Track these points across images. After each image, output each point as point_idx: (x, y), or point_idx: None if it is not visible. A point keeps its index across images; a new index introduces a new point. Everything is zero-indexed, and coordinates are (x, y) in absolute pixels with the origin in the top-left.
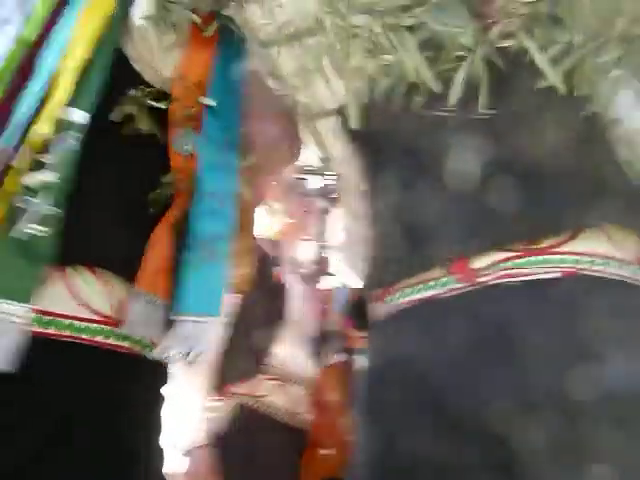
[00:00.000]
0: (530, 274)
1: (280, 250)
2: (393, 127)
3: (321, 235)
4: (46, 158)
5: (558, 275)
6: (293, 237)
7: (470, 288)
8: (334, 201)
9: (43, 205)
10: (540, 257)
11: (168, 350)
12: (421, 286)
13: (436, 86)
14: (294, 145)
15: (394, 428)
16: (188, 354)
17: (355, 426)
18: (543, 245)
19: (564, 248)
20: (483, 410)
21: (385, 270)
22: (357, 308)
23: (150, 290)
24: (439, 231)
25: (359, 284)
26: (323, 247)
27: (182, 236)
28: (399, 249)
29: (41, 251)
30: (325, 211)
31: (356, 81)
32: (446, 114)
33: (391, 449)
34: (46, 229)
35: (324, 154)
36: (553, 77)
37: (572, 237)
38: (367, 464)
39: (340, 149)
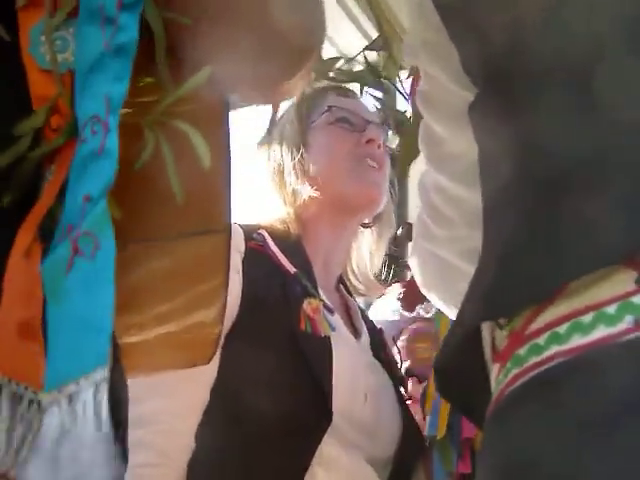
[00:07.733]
0: None
1: (309, 256)
2: None
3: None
4: None
5: None
6: (339, 221)
7: None
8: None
9: None
10: None
11: None
12: (595, 313)
13: None
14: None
15: None
16: None
17: None
18: None
19: None
20: None
21: (519, 280)
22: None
23: (13, 374)
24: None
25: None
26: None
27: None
28: (553, 238)
29: None
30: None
31: None
32: None
33: None
34: None
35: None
36: None
37: None
38: None
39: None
